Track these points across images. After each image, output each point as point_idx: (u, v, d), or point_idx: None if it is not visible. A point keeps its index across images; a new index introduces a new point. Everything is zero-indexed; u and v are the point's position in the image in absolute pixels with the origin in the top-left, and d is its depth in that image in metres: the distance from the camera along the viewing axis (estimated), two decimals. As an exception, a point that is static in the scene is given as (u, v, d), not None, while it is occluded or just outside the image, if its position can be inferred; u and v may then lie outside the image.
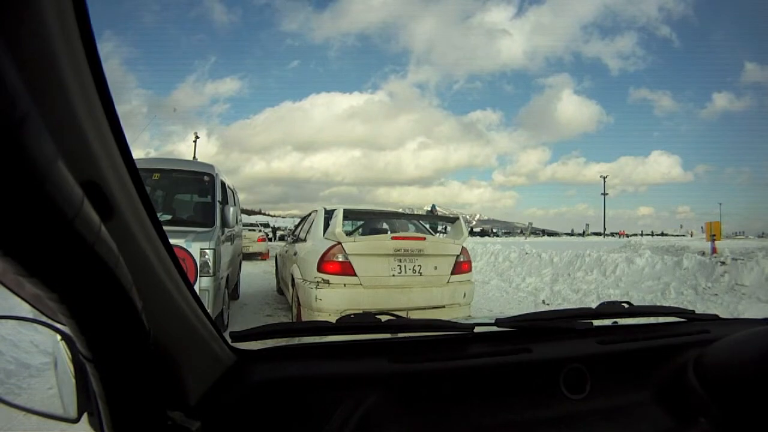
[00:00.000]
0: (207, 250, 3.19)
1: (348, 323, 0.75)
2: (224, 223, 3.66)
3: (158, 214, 0.57)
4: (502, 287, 7.18)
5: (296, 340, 0.75)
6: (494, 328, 0.79)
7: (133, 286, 0.35)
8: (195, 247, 3.12)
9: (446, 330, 0.77)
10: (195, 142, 27.24)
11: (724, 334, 0.80)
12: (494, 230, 64.94)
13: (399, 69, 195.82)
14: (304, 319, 3.21)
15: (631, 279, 6.41)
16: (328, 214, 3.60)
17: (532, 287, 6.93)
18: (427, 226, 4.22)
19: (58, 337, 0.55)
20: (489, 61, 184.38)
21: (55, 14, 0.28)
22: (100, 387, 0.39)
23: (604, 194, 64.80)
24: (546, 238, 48.35)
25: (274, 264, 6.61)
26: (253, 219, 26.16)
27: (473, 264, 3.90)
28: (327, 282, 3.13)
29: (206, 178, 3.90)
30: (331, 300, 3.08)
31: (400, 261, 3.26)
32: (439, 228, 6.75)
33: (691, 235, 42.36)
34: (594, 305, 0.90)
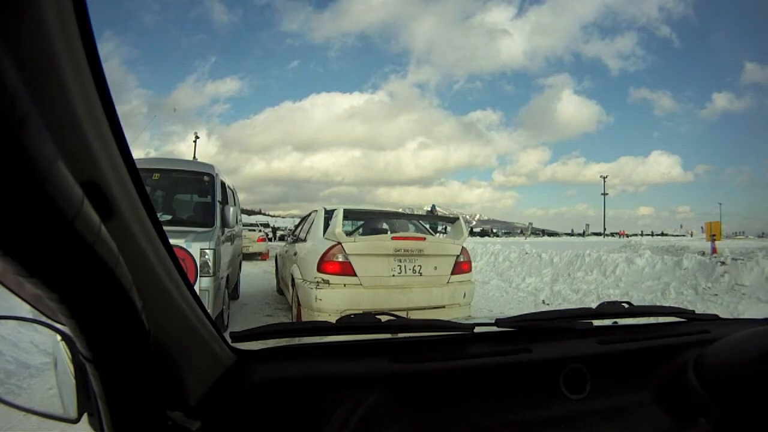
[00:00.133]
0: (207, 250, 3.19)
1: (348, 323, 0.75)
2: (224, 223, 3.65)
3: (158, 214, 0.57)
4: (502, 287, 7.18)
5: (296, 340, 0.75)
6: (494, 328, 0.79)
7: (133, 286, 0.35)
8: (195, 247, 3.12)
9: (446, 330, 0.77)
10: (195, 142, 27.30)
11: (724, 334, 0.80)
12: (494, 230, 64.97)
13: (399, 69, 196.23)
14: (304, 319, 3.21)
15: (631, 279, 6.41)
16: (328, 214, 3.60)
17: (532, 287, 6.93)
18: (427, 226, 4.22)
19: (58, 337, 0.54)
20: (489, 61, 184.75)
21: (55, 14, 0.28)
22: (100, 387, 0.39)
23: (604, 194, 64.94)
24: (546, 238, 48.42)
25: (274, 264, 6.61)
26: (253, 219, 26.16)
27: (473, 264, 3.90)
28: (327, 282, 3.12)
29: (206, 178, 3.90)
30: (331, 300, 3.08)
31: (400, 261, 3.26)
32: (439, 228, 6.76)
33: (691, 235, 42.36)
34: (594, 305, 0.90)
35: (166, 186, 4.03)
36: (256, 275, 8.11)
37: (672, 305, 2.04)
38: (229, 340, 0.64)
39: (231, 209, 3.72)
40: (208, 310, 0.78)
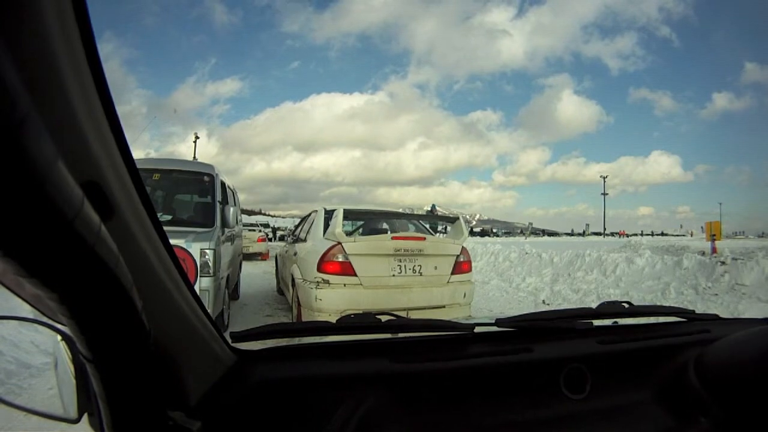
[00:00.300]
0: (207, 251, 3.19)
1: (348, 323, 0.75)
2: (224, 224, 3.66)
3: (158, 215, 0.56)
4: (502, 287, 7.18)
5: (296, 341, 0.75)
6: (494, 328, 0.79)
7: (133, 286, 0.35)
8: (195, 247, 3.12)
9: (446, 330, 0.77)
10: (195, 142, 27.28)
11: (725, 334, 0.80)
12: (494, 230, 64.96)
13: (399, 69, 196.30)
14: (304, 319, 3.22)
15: (631, 279, 6.41)
16: (328, 215, 3.60)
17: (532, 287, 6.93)
18: (427, 226, 4.22)
19: (59, 337, 0.54)
20: (489, 61, 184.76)
21: (55, 14, 0.28)
22: (101, 387, 0.39)
23: (604, 194, 64.88)
24: (546, 238, 48.41)
25: (274, 264, 6.61)
26: (253, 219, 26.20)
27: (473, 264, 3.90)
28: (327, 282, 3.12)
29: (206, 178, 3.90)
30: (331, 300, 3.08)
31: (400, 261, 3.26)
32: (439, 228, 6.75)
33: (691, 235, 42.36)
34: (594, 305, 0.90)
35: (167, 186, 4.03)
36: (256, 275, 8.11)
37: (672, 305, 2.04)
38: (230, 340, 0.64)
39: (231, 209, 3.72)
40: (209, 310, 0.78)
